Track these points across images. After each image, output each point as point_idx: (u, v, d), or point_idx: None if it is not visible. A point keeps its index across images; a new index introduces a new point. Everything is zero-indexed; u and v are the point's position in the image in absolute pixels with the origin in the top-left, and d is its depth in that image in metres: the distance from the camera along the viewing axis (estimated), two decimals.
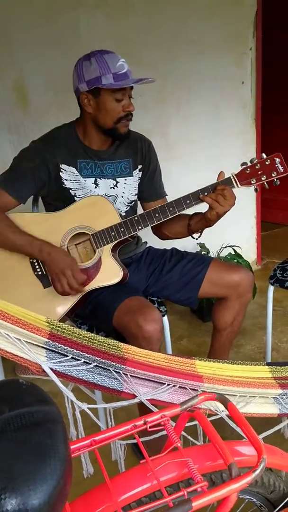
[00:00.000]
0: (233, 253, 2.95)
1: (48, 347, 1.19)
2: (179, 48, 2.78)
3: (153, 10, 2.64)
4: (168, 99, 2.85)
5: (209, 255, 2.78)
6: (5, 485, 0.62)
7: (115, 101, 1.65)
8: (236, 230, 3.04)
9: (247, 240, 3.42)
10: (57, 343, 1.19)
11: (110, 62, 1.62)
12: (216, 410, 1.32)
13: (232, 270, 1.84)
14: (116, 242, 1.70)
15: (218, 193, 1.63)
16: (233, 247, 2.96)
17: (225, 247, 2.95)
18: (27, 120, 2.50)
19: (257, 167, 1.64)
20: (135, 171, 1.87)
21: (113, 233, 1.69)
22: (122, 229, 1.69)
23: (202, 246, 2.92)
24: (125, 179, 1.84)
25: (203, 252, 2.81)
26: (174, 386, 1.31)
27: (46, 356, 1.19)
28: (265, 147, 3.24)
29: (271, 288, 2.08)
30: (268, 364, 1.49)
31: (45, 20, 2.38)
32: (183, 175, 2.74)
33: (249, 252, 3.44)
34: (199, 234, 1.82)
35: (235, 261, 2.86)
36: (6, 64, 2.37)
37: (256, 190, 1.67)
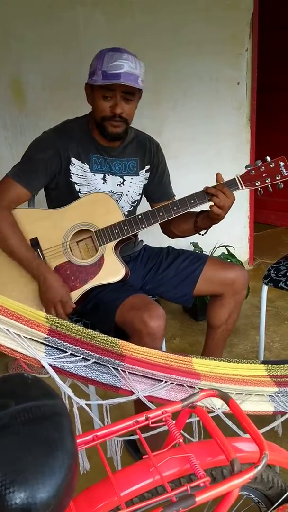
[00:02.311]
0: (226, 253, 2.97)
1: (47, 343, 1.20)
2: (176, 48, 2.79)
3: (150, 11, 2.65)
4: (164, 100, 2.86)
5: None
6: (13, 478, 0.62)
7: (103, 99, 1.65)
8: (229, 230, 3.05)
9: (240, 240, 3.44)
10: (56, 339, 1.20)
11: (107, 59, 1.61)
12: (212, 408, 1.33)
13: (228, 268, 1.85)
14: (118, 240, 1.70)
15: (218, 189, 1.65)
16: (226, 247, 2.97)
17: (219, 247, 2.96)
18: (23, 117, 2.49)
19: (261, 170, 1.65)
20: (141, 171, 1.87)
21: (116, 231, 1.69)
22: (126, 227, 1.69)
23: (195, 245, 2.93)
24: (132, 178, 1.85)
25: (196, 251, 2.82)
26: (171, 383, 1.31)
27: (45, 352, 1.20)
28: (259, 148, 3.27)
29: (265, 288, 2.08)
30: (263, 362, 1.49)
31: (43, 18, 2.37)
32: (177, 175, 2.74)
33: (242, 252, 3.46)
34: (205, 231, 1.83)
35: (228, 261, 2.87)
36: (3, 61, 2.36)
37: (260, 192, 1.68)
